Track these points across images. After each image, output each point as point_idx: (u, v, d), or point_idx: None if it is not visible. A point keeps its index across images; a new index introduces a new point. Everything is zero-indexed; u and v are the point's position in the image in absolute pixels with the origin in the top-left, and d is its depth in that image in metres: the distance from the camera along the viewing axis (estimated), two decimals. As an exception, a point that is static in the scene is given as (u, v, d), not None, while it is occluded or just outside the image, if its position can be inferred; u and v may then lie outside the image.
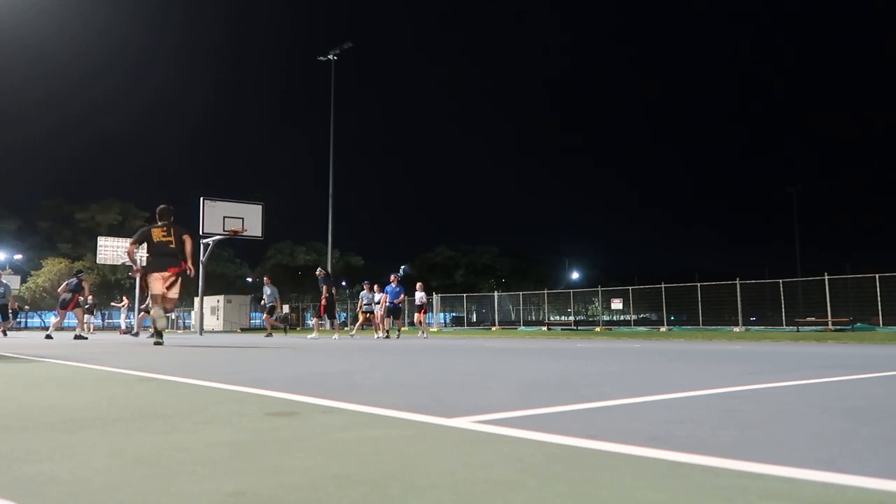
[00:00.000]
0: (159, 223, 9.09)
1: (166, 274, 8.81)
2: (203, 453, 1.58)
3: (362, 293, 18.56)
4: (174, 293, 8.98)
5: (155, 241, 8.88)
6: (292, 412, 2.28)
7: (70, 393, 2.99)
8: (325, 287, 16.31)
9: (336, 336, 15.97)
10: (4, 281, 18.24)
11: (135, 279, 25.94)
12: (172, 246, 8.87)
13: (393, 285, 16.95)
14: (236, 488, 1.24)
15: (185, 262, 8.96)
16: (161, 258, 8.87)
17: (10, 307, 18.89)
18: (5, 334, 17.81)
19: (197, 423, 2.02)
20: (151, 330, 9.21)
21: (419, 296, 17.56)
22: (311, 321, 17.36)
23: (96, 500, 1.17)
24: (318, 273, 17.05)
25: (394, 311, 17.02)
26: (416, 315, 17.94)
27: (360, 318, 18.80)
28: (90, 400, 2.70)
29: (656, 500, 1.15)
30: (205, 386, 3.28)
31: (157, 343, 8.67)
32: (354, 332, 19.43)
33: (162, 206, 9.27)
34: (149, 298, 9.79)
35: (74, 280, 15.85)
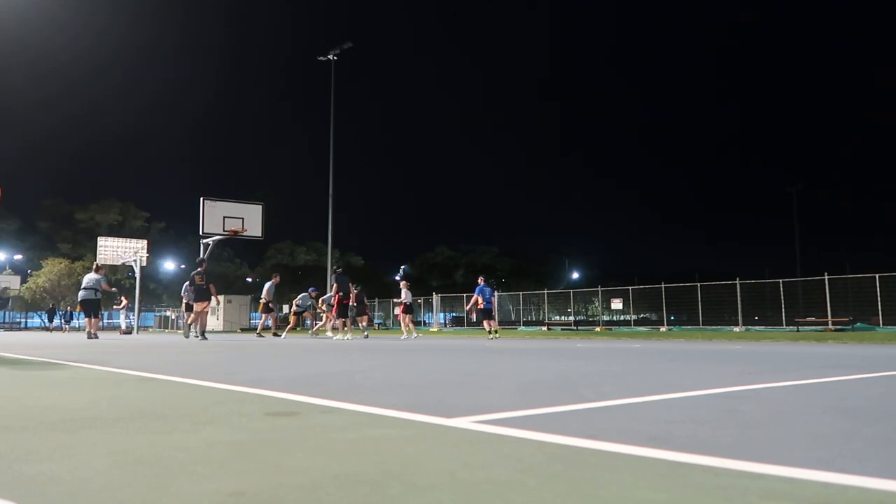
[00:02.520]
0: (198, 270, 15.09)
1: (203, 303, 15.08)
2: (203, 453, 1.58)
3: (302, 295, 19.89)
4: (205, 313, 15.28)
5: (196, 283, 15.13)
6: (292, 412, 2.28)
7: (70, 393, 3.00)
8: (337, 285, 16.23)
9: (339, 336, 15.89)
10: (94, 276, 15.66)
11: (135, 279, 29.60)
12: (205, 288, 14.95)
13: (482, 284, 16.89)
14: (236, 488, 1.24)
15: (213, 296, 15.30)
16: (198, 293, 15.07)
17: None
18: (95, 336, 14.86)
19: (197, 423, 2.02)
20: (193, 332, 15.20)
21: (405, 293, 17.51)
22: (333, 322, 17.10)
23: (96, 500, 1.17)
24: (336, 270, 17.23)
25: (487, 312, 16.77)
26: (400, 314, 17.68)
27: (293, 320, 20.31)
28: (90, 400, 2.71)
29: (656, 500, 1.15)
30: (205, 386, 3.28)
31: (202, 340, 13.65)
32: (285, 333, 19.51)
33: (199, 258, 15.83)
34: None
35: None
